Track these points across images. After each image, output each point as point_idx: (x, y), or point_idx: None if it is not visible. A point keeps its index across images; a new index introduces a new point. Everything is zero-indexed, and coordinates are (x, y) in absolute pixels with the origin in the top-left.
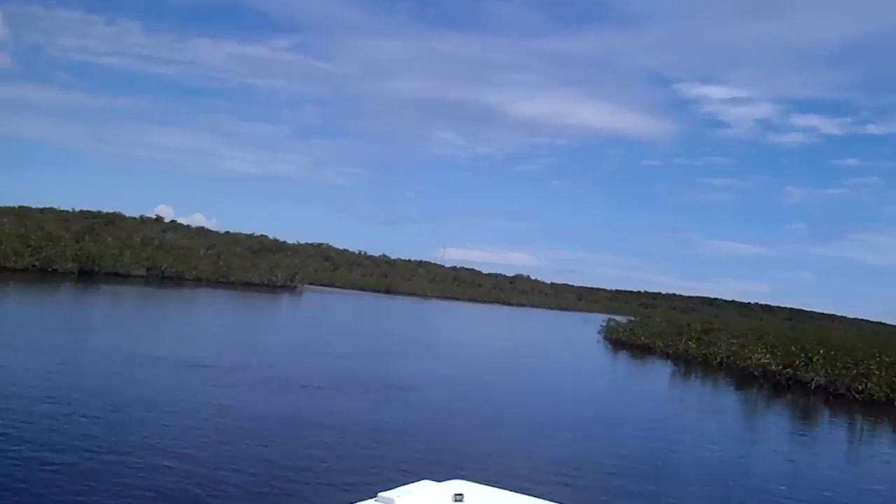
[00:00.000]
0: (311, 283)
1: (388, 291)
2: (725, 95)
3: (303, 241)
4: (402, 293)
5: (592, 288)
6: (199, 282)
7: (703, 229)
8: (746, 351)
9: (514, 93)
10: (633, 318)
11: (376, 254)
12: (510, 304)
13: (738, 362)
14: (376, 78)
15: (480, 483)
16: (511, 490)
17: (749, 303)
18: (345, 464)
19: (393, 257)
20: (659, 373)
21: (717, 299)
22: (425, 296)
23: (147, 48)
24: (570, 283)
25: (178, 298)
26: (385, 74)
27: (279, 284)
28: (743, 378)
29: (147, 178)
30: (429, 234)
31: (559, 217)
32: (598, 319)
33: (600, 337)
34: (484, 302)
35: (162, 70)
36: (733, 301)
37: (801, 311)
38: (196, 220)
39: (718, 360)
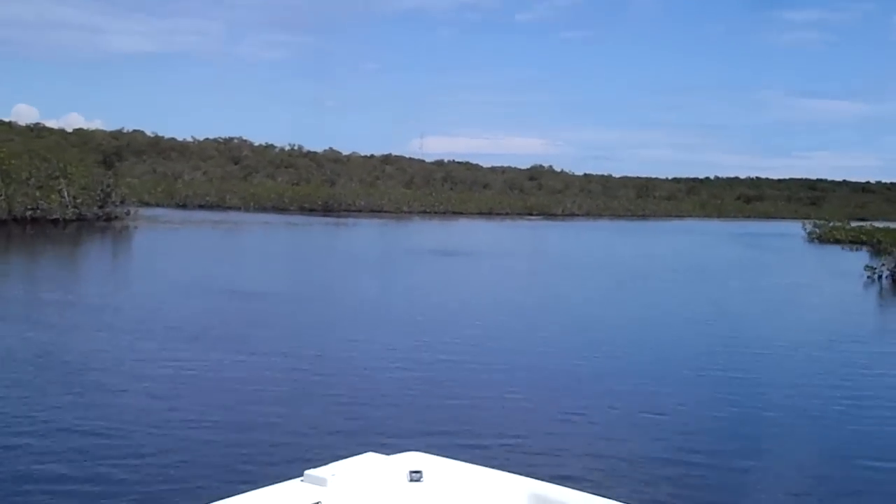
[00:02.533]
0: (184, 206)
1: (328, 210)
2: None
3: (203, 138)
4: (357, 211)
5: (643, 178)
6: None
7: (782, 84)
8: None
9: None
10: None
11: (319, 149)
12: (553, 216)
13: None
14: None
15: (441, 456)
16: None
17: (870, 182)
18: None
19: (345, 153)
20: None
21: (820, 180)
22: (400, 212)
23: None
24: (611, 174)
25: None
26: None
27: (58, 217)
28: None
29: None
30: (399, 118)
31: (579, 83)
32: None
33: None
34: (502, 214)
35: None
36: (844, 181)
37: None
38: (72, 121)
39: None
